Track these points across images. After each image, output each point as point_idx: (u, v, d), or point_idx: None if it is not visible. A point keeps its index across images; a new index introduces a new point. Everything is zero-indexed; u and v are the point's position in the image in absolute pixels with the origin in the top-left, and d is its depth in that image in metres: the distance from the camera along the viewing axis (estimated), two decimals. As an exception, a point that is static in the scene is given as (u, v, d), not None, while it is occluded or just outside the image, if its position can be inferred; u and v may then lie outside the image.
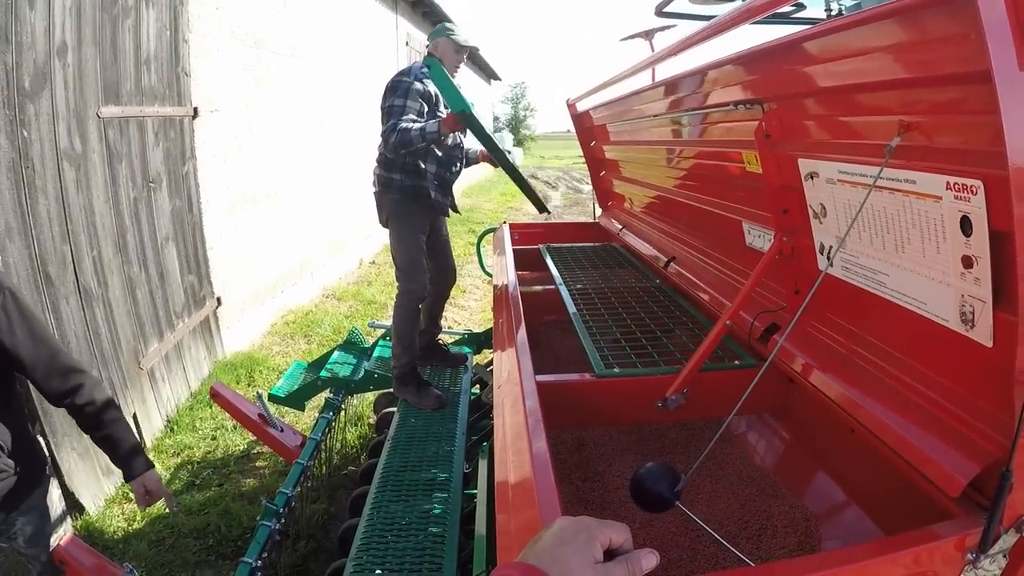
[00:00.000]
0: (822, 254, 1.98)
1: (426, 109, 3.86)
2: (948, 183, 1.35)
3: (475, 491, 3.10)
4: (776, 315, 2.39)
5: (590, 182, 5.32)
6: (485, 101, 33.63)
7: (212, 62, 6.21)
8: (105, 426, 2.48)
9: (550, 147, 73.36)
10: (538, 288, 3.76)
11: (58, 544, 2.57)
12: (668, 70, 2.68)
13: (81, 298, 4.12)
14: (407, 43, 14.36)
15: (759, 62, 1.93)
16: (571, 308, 3.13)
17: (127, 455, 2.52)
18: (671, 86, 2.69)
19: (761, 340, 2.38)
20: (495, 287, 3.53)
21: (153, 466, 2.60)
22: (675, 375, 2.27)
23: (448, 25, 3.96)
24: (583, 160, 5.18)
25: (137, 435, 4.59)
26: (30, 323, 2.25)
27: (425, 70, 3.81)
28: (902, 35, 1.34)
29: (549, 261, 4.07)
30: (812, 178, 1.88)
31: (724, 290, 2.88)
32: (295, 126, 8.40)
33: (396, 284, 4.13)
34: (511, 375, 2.17)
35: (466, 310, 8.45)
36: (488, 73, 32.67)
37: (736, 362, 2.48)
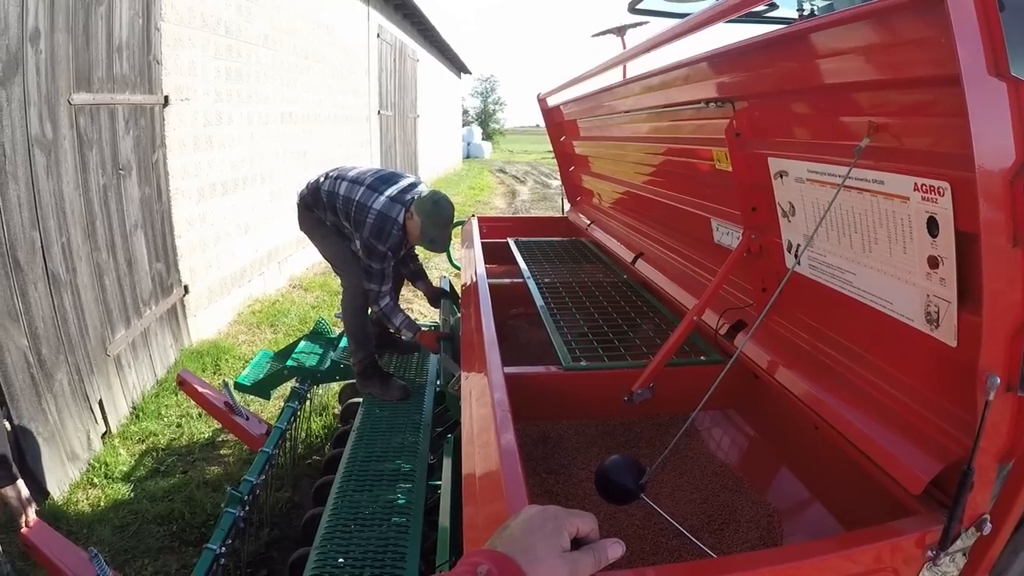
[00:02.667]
0: (790, 252, 1.97)
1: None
2: (916, 184, 1.35)
3: (439, 482, 3.07)
4: (743, 312, 2.38)
5: (559, 177, 5.29)
6: (454, 95, 33.45)
7: (183, 50, 6.08)
8: None
9: (519, 141, 73.27)
10: (506, 281, 3.72)
11: (23, 528, 2.52)
12: (639, 67, 2.66)
13: (49, 284, 4.02)
14: (378, 35, 14.24)
15: (731, 61, 1.91)
16: (539, 301, 3.10)
17: None
18: (642, 83, 2.66)
19: (727, 337, 2.37)
20: (463, 280, 3.49)
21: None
22: (642, 370, 2.24)
23: (436, 207, 3.69)
24: (552, 155, 5.15)
25: (104, 423, 4.52)
26: None
27: (399, 228, 3.70)
28: (874, 37, 1.33)
29: (517, 255, 4.05)
30: (781, 177, 1.87)
31: (691, 286, 2.86)
32: (265, 116, 8.28)
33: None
34: (478, 367, 2.14)
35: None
36: (458, 66, 32.46)
37: (702, 358, 2.47)
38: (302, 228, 4.14)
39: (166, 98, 5.67)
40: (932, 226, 1.34)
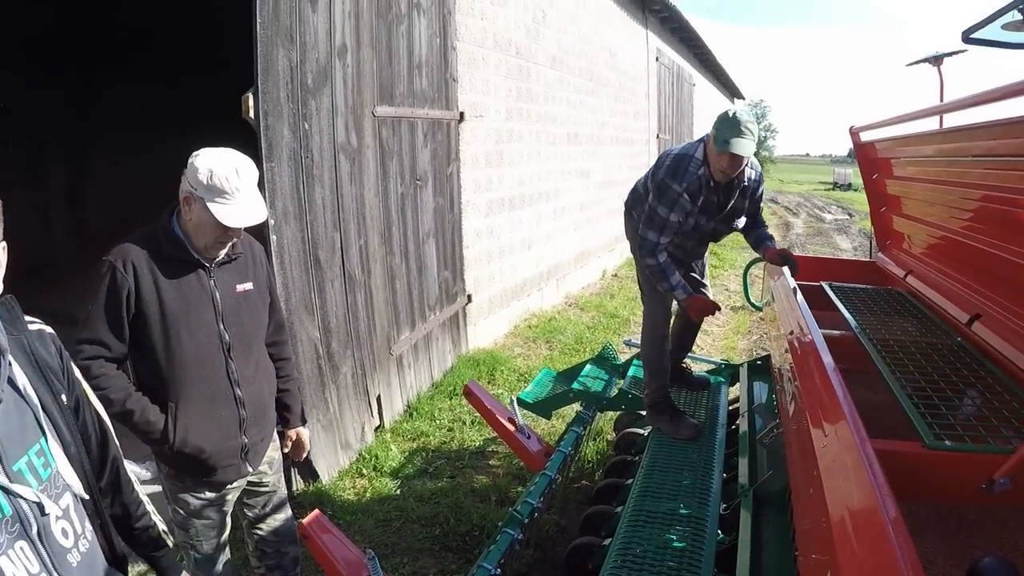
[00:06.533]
0: None
1: (686, 215, 3.45)
2: None
3: (722, 534, 2.78)
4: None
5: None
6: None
7: (478, 69, 6.16)
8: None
9: (789, 171, 69.70)
10: (835, 333, 3.15)
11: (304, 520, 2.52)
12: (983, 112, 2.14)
13: (345, 282, 4.11)
14: (657, 58, 13.92)
15: None
16: (879, 363, 2.55)
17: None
18: (992, 130, 2.11)
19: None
20: (784, 328, 3.00)
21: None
22: (1004, 456, 1.74)
23: (726, 113, 3.33)
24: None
25: (378, 417, 4.56)
26: None
27: (698, 164, 3.37)
28: None
29: (839, 303, 3.44)
30: None
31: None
32: (552, 136, 8.27)
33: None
34: (839, 435, 1.79)
35: (708, 334, 7.51)
36: (731, 91, 31.10)
37: None
38: (628, 235, 3.90)
39: (462, 114, 5.73)
40: None
